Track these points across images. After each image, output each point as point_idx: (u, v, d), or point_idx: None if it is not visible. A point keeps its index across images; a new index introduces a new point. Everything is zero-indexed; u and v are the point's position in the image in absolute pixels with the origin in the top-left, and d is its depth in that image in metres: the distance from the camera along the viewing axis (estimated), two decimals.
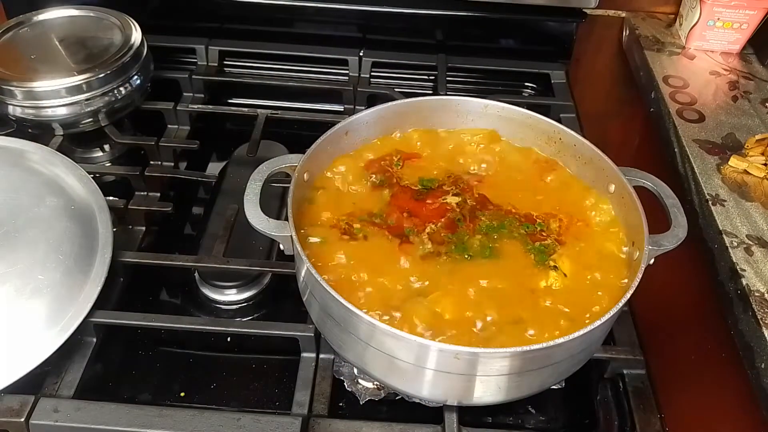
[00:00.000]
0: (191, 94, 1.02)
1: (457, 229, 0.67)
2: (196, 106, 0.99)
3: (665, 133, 0.86)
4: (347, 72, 1.07)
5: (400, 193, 0.71)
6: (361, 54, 1.06)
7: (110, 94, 0.87)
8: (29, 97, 0.84)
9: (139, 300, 0.76)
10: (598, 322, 0.55)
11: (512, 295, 0.62)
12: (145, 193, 0.87)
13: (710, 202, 0.72)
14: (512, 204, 0.71)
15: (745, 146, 0.81)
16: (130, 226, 0.84)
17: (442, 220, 0.68)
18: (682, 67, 0.97)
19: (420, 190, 0.71)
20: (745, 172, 0.77)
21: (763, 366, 0.57)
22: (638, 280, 0.58)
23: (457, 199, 0.70)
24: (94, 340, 0.69)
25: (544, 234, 0.66)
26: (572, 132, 0.73)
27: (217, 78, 1.05)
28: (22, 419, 0.61)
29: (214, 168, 0.96)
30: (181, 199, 0.88)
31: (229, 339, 0.73)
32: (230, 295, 0.77)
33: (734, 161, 0.78)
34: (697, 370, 0.70)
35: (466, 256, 0.64)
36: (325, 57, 1.08)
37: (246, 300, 0.77)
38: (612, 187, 0.69)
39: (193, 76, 1.02)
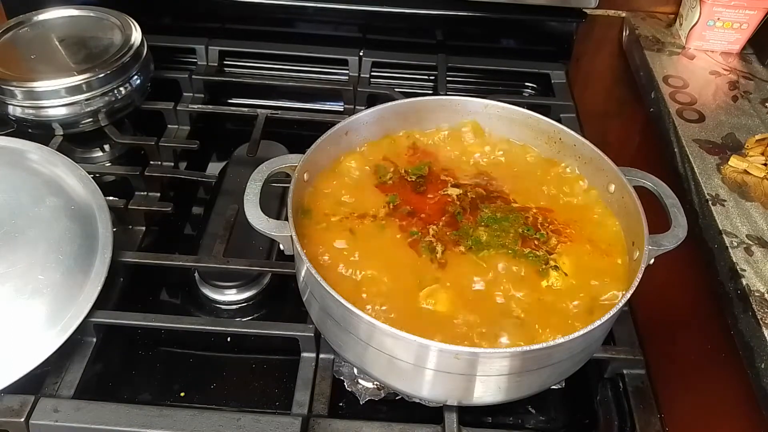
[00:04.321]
0: (191, 94, 1.02)
1: (459, 224, 0.67)
2: (196, 106, 0.99)
3: (665, 133, 0.86)
4: (347, 72, 1.07)
5: (400, 187, 0.71)
6: (361, 54, 1.06)
7: (110, 94, 0.87)
8: (29, 97, 0.84)
9: (139, 300, 0.76)
10: (598, 322, 0.55)
11: (513, 293, 0.62)
12: (145, 193, 0.87)
13: (710, 202, 0.72)
14: (515, 200, 0.71)
15: (745, 146, 0.81)
16: (130, 226, 0.84)
17: (444, 217, 0.68)
18: (682, 67, 0.97)
19: (417, 181, 0.71)
20: (745, 172, 0.77)
21: (763, 366, 0.57)
22: (638, 280, 0.58)
23: (457, 191, 0.70)
24: (94, 340, 0.69)
25: (537, 243, 0.66)
26: (572, 132, 0.73)
27: (217, 78, 1.05)
28: (22, 419, 0.61)
29: (214, 168, 0.96)
30: (181, 199, 0.88)
31: (229, 339, 0.73)
32: (230, 295, 0.77)
33: (734, 161, 0.78)
34: (697, 370, 0.70)
35: (471, 245, 0.64)
36: (325, 57, 1.08)
37: (246, 300, 0.77)
38: (612, 187, 0.69)
39: (193, 76, 1.02)
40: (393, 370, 0.59)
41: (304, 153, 0.67)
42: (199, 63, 1.07)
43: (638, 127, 1.03)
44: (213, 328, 0.70)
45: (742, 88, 0.92)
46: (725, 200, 0.73)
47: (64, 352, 0.65)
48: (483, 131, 0.77)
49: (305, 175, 0.68)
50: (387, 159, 0.75)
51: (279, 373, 0.71)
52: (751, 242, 0.68)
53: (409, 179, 0.72)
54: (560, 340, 0.54)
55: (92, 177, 0.77)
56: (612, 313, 0.55)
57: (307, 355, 0.69)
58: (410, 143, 0.77)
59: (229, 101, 1.09)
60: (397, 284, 0.62)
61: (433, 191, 0.71)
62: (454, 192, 0.70)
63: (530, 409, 0.69)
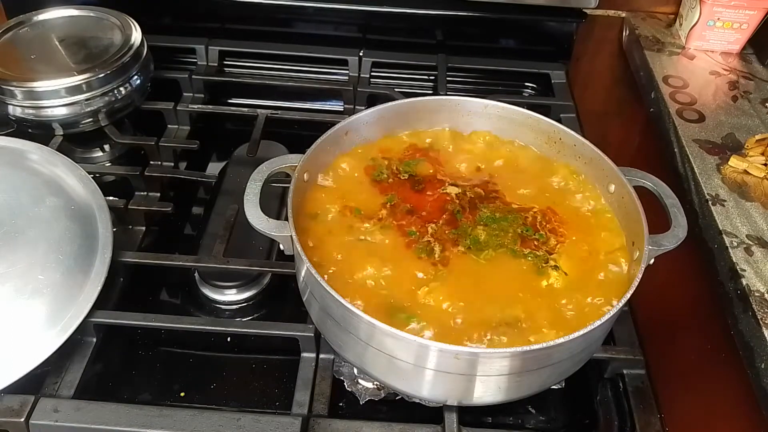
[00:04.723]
0: (191, 94, 1.02)
1: (458, 223, 0.67)
2: (196, 106, 0.99)
3: (665, 133, 0.86)
4: (347, 72, 1.07)
5: (398, 185, 0.71)
6: (361, 54, 1.06)
7: (110, 94, 0.87)
8: (29, 97, 0.84)
9: (139, 300, 0.76)
10: (598, 322, 0.55)
11: (513, 292, 0.62)
12: (145, 193, 0.87)
13: (710, 202, 0.72)
14: (514, 200, 0.71)
15: (745, 146, 0.81)
16: (130, 226, 0.84)
17: (444, 216, 0.68)
18: (682, 67, 0.97)
19: (415, 179, 0.72)
20: (745, 172, 0.77)
21: (762, 366, 0.57)
22: (638, 280, 0.58)
23: (456, 190, 0.70)
24: (94, 340, 0.69)
25: (537, 243, 0.66)
26: (572, 132, 0.73)
27: (217, 78, 1.05)
28: (22, 419, 0.61)
29: (214, 168, 0.96)
30: (181, 199, 0.88)
31: (229, 339, 0.73)
32: (230, 295, 0.77)
33: (734, 161, 0.78)
34: (697, 370, 0.70)
35: (469, 245, 0.64)
36: (325, 57, 1.08)
37: (246, 300, 0.77)
38: (612, 187, 0.69)
39: (193, 76, 1.02)
40: (393, 370, 0.59)
41: (304, 153, 0.67)
42: (199, 63, 1.07)
43: (638, 127, 1.03)
44: (213, 328, 0.70)
45: (742, 88, 0.92)
46: (725, 200, 0.73)
47: (64, 352, 0.65)
48: (486, 135, 0.78)
49: (305, 175, 0.68)
50: (383, 158, 0.74)
51: (279, 373, 0.71)
52: (751, 242, 0.68)
53: (401, 177, 0.72)
54: (560, 340, 0.54)
55: (92, 177, 0.77)
56: (612, 313, 0.55)
57: (307, 355, 0.69)
58: (410, 143, 0.77)
59: (229, 101, 1.09)
60: (397, 283, 0.62)
61: (431, 189, 0.71)
62: (452, 191, 0.70)
63: (530, 409, 0.69)
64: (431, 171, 0.73)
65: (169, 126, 0.97)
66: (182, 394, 0.69)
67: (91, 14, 0.95)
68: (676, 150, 0.82)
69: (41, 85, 0.84)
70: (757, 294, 0.62)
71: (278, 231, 0.62)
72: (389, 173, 0.72)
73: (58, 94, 0.84)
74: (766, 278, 0.64)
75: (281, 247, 0.63)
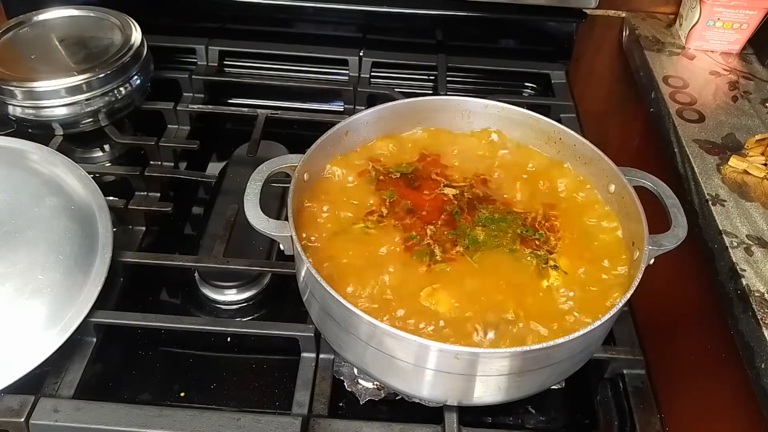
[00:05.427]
0: (191, 94, 1.02)
1: (457, 224, 0.67)
2: (196, 106, 0.99)
3: (665, 133, 0.86)
4: (347, 72, 1.07)
5: (394, 185, 0.71)
6: (361, 54, 1.06)
7: (110, 94, 0.87)
8: (29, 97, 0.84)
9: (139, 300, 0.76)
10: (598, 322, 0.55)
11: (513, 292, 0.62)
12: (145, 193, 0.87)
13: (710, 202, 0.72)
14: (513, 200, 0.71)
15: (745, 146, 0.81)
16: (130, 226, 0.84)
17: (442, 216, 0.68)
18: (682, 67, 0.97)
19: (410, 177, 0.72)
20: (745, 172, 0.77)
21: (762, 366, 0.57)
22: (638, 280, 0.58)
23: (453, 191, 0.70)
24: (94, 340, 0.69)
25: (538, 243, 0.66)
26: (572, 132, 0.73)
27: (217, 78, 1.05)
28: (22, 419, 0.61)
29: (214, 168, 0.96)
30: (181, 199, 0.88)
31: (229, 339, 0.73)
32: (230, 295, 0.77)
33: (734, 161, 0.78)
34: (697, 370, 0.70)
35: (468, 245, 0.64)
36: (325, 57, 1.08)
37: (246, 300, 0.77)
38: (612, 187, 0.69)
39: (193, 76, 1.02)
40: (393, 370, 0.59)
41: (304, 153, 0.67)
42: (199, 63, 1.07)
43: (638, 127, 1.03)
44: (213, 328, 0.70)
45: (742, 88, 0.92)
46: (725, 200, 0.73)
47: (64, 352, 0.65)
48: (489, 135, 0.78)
49: (305, 175, 0.68)
50: (379, 159, 0.74)
51: (279, 373, 0.71)
52: (751, 242, 0.68)
53: (393, 177, 0.72)
54: (560, 340, 0.54)
55: (92, 177, 0.77)
56: (612, 313, 0.55)
57: (307, 355, 0.69)
58: (410, 143, 0.77)
59: (229, 101, 1.09)
60: (398, 284, 0.62)
61: (428, 188, 0.71)
62: (449, 192, 0.70)
63: (530, 409, 0.69)
64: (429, 171, 0.73)
65: (169, 126, 0.97)
66: (182, 394, 0.69)
67: (91, 14, 0.95)
68: (676, 150, 0.82)
69: (41, 85, 0.84)
70: (757, 294, 0.62)
71: (278, 231, 0.62)
72: (377, 174, 0.72)
73: (58, 94, 0.84)
74: (766, 278, 0.64)
75: (281, 247, 0.63)
